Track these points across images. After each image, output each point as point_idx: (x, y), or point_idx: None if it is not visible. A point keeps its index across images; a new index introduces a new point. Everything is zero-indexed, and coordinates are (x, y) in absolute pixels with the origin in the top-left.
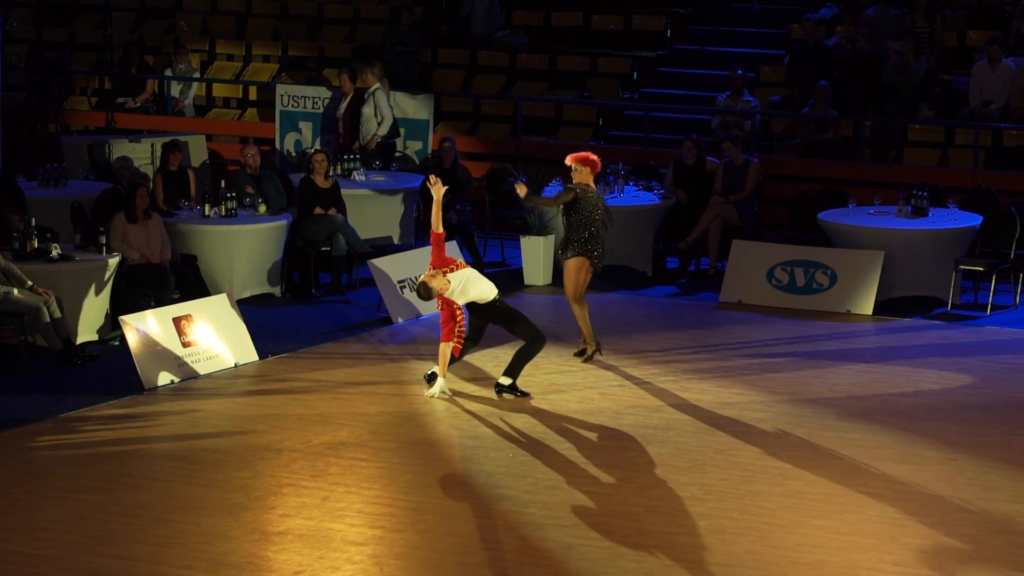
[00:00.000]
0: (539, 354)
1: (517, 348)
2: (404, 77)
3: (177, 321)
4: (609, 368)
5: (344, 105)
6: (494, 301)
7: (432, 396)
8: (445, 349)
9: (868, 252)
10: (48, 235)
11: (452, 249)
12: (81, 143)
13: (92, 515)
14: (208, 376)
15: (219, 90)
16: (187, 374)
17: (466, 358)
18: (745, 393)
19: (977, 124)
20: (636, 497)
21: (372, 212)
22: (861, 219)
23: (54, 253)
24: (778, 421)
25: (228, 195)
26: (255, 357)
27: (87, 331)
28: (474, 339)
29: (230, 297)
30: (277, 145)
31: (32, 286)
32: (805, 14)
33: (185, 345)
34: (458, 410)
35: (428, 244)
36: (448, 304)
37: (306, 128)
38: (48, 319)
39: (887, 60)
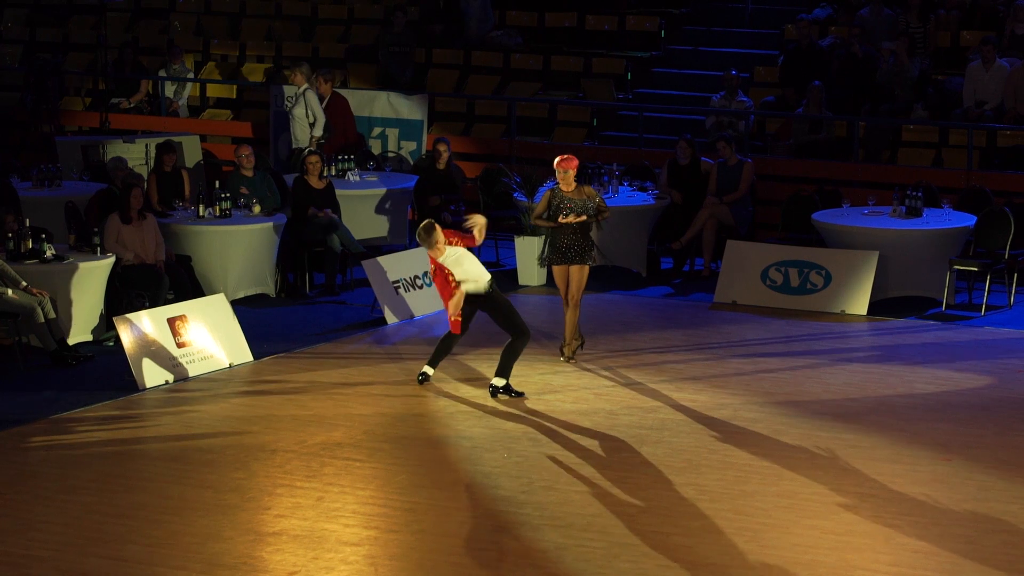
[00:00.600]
0: (536, 355)
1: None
2: (398, 77)
3: (171, 321)
4: (603, 368)
5: (324, 105)
6: (488, 284)
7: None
8: (456, 297)
9: (862, 252)
10: (42, 236)
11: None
12: (75, 144)
13: (86, 516)
14: (202, 376)
15: (213, 90)
16: (181, 374)
17: (459, 358)
18: (739, 393)
19: (971, 124)
20: (631, 497)
21: (366, 212)
22: (855, 219)
23: (48, 254)
24: (772, 422)
25: (222, 196)
26: (249, 358)
27: (81, 332)
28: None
29: (224, 298)
30: (271, 146)
31: (26, 287)
32: (799, 14)
33: (179, 345)
34: (453, 411)
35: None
36: (440, 270)
37: None
38: (42, 319)
39: (881, 60)
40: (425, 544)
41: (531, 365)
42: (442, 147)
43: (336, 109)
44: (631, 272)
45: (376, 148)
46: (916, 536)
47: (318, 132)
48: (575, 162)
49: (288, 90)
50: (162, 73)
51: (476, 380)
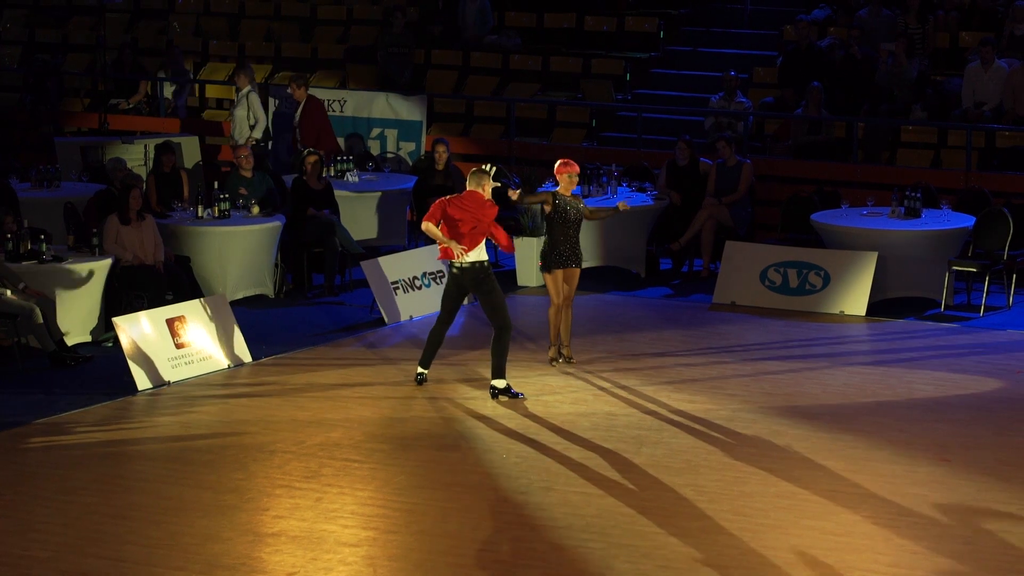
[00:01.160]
0: (535, 356)
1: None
2: (397, 78)
3: (170, 322)
4: (602, 370)
5: (298, 113)
6: (485, 263)
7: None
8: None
9: (861, 253)
10: (41, 236)
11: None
12: (74, 144)
13: (85, 516)
14: (201, 377)
15: (212, 91)
16: (180, 375)
17: (458, 359)
18: (738, 394)
19: (970, 125)
20: (630, 498)
21: (365, 213)
22: (854, 220)
23: (47, 254)
24: (771, 423)
25: (221, 196)
26: (248, 358)
27: (80, 332)
28: (447, 320)
29: (224, 298)
30: (270, 146)
31: (25, 287)
32: (798, 15)
33: (178, 346)
34: (451, 412)
35: (421, 245)
36: (467, 212)
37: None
38: (41, 320)
39: (880, 61)
40: (424, 545)
41: (529, 366)
42: (441, 148)
43: (311, 114)
44: (630, 273)
45: (375, 149)
46: (915, 537)
47: (258, 134)
48: (577, 167)
49: (286, 92)
50: (161, 74)
51: (474, 381)
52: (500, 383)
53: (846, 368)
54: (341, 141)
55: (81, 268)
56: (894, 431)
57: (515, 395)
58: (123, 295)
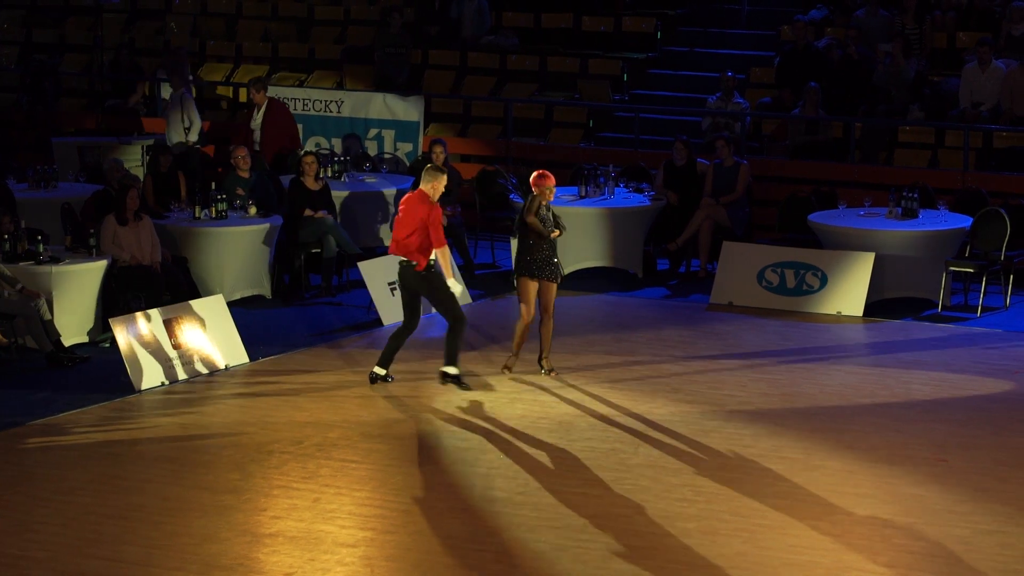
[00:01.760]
0: (529, 358)
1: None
2: (394, 78)
3: (168, 323)
4: (600, 370)
5: (259, 116)
6: (429, 265)
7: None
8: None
9: (858, 253)
10: (38, 237)
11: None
12: (71, 145)
13: (83, 517)
14: (198, 378)
15: (209, 92)
16: (177, 376)
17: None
18: (735, 394)
19: (967, 126)
20: (627, 498)
21: (362, 214)
22: (851, 220)
23: (44, 255)
24: (769, 423)
25: (218, 197)
26: (246, 359)
27: (77, 333)
28: (410, 325)
29: (222, 299)
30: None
31: (22, 288)
32: (795, 16)
33: (175, 347)
34: (449, 412)
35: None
36: (420, 206)
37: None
38: (38, 321)
39: (877, 62)
40: (421, 545)
41: (524, 367)
42: (438, 148)
43: (272, 117)
44: (627, 273)
45: (372, 149)
46: (912, 537)
47: (193, 137)
48: (553, 179)
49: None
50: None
51: (473, 381)
52: (453, 370)
53: (843, 368)
54: (338, 142)
55: (78, 269)
56: (891, 431)
57: (463, 386)
58: (120, 296)
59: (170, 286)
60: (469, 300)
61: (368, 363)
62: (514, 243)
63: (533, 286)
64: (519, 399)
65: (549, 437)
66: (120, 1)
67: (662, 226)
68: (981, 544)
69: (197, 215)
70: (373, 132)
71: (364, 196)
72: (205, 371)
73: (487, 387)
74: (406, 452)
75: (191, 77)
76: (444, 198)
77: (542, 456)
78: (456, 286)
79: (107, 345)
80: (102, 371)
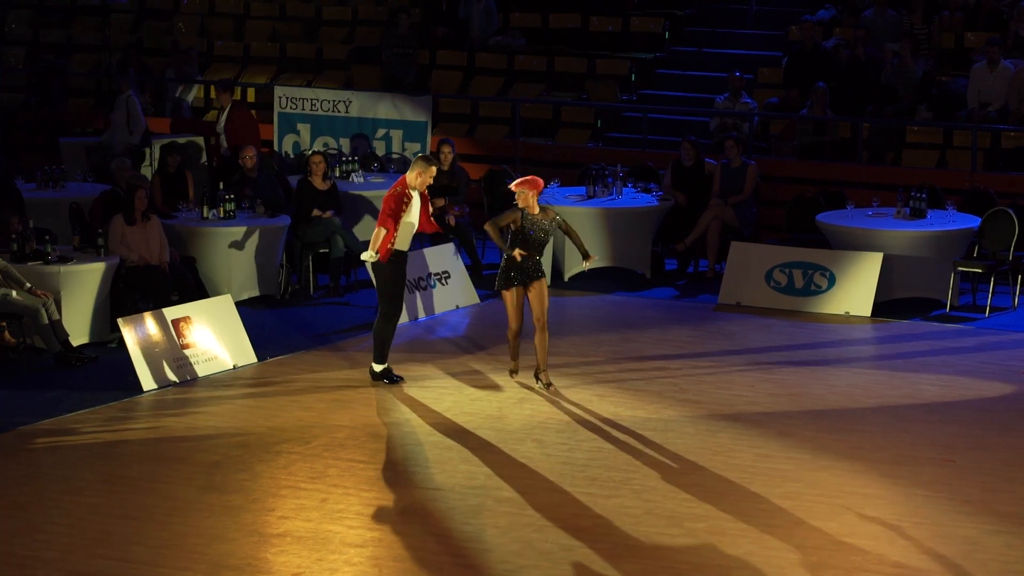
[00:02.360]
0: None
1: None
2: (402, 79)
3: (176, 323)
4: (607, 370)
5: (223, 119)
6: (395, 252)
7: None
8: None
9: (867, 254)
10: (46, 237)
11: (450, 251)
12: (79, 145)
13: (90, 517)
14: (207, 378)
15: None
16: (185, 376)
17: (465, 360)
18: (743, 395)
19: (975, 126)
20: (634, 499)
21: (370, 214)
22: (859, 221)
23: (52, 255)
24: (776, 423)
25: (226, 197)
26: (253, 359)
27: (86, 333)
28: (386, 313)
29: (230, 299)
30: (275, 147)
31: (30, 288)
32: (803, 16)
33: (184, 347)
34: (457, 412)
35: (427, 246)
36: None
37: (304, 130)
38: (46, 321)
39: (885, 62)
40: (428, 545)
41: (535, 367)
42: (446, 149)
43: (235, 121)
44: (635, 273)
45: (380, 150)
46: (920, 537)
47: (136, 139)
48: (540, 184)
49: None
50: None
51: (478, 381)
52: (379, 367)
53: (851, 369)
54: (346, 142)
55: (86, 269)
56: (899, 432)
57: (395, 379)
58: (128, 296)
59: (178, 286)
60: (477, 300)
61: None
62: None
63: (515, 294)
64: (527, 399)
65: (556, 437)
66: (128, 1)
67: (670, 226)
68: (988, 544)
69: (205, 215)
70: (381, 132)
71: (372, 196)
72: (213, 371)
73: (495, 387)
74: (414, 452)
75: (199, 77)
76: (452, 198)
77: (549, 456)
78: (366, 255)
79: (114, 345)
80: (110, 371)
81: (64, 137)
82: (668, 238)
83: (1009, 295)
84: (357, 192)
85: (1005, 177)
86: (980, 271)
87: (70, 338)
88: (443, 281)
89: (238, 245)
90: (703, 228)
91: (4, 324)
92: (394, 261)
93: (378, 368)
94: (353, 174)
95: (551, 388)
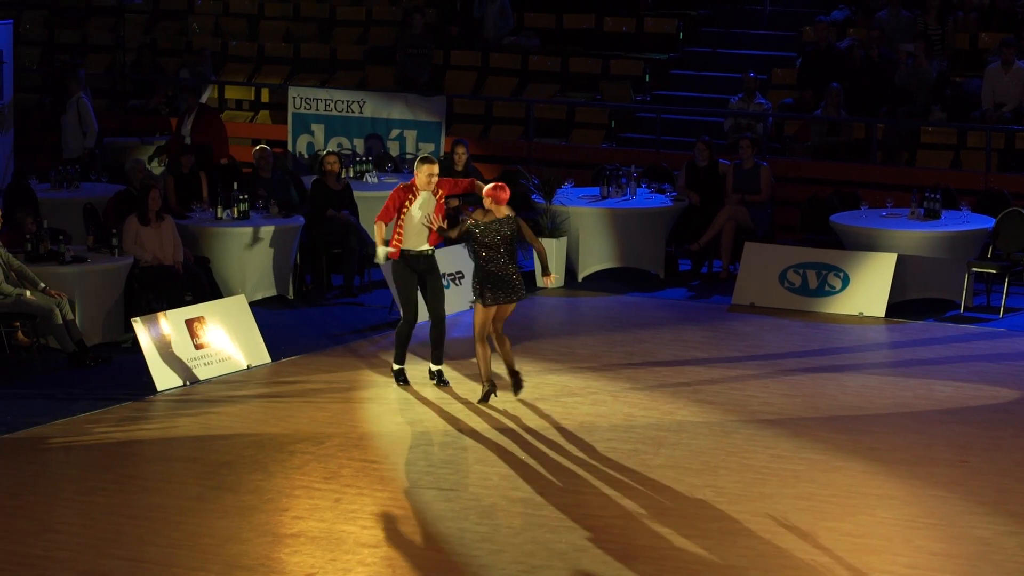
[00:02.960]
0: (553, 358)
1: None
2: (416, 79)
3: (189, 323)
4: (621, 370)
5: (189, 122)
6: (403, 252)
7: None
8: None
9: (881, 254)
10: (60, 237)
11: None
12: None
13: (104, 517)
14: (220, 378)
15: (231, 92)
16: (199, 376)
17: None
18: (757, 395)
19: (989, 127)
20: (649, 500)
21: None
22: (873, 221)
23: (66, 255)
24: (790, 424)
25: (240, 197)
26: (267, 359)
27: (99, 333)
28: (407, 317)
29: (243, 299)
30: (290, 147)
31: (45, 288)
32: (817, 16)
33: (197, 347)
34: (470, 412)
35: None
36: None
37: (318, 130)
38: (60, 321)
39: (899, 62)
40: (442, 546)
41: (550, 368)
42: (460, 149)
43: (200, 124)
44: (649, 274)
45: (394, 150)
46: (934, 538)
47: (90, 142)
48: (507, 194)
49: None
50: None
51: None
52: (395, 367)
53: (865, 370)
54: (360, 143)
55: (101, 269)
56: (913, 433)
57: (400, 381)
58: (142, 296)
59: (192, 286)
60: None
61: (389, 364)
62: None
63: (486, 314)
64: (541, 400)
65: (571, 438)
66: (142, 2)
67: (684, 227)
68: (1003, 545)
69: (219, 215)
70: (395, 132)
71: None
72: (227, 371)
73: (509, 388)
74: (428, 452)
75: (213, 77)
76: (467, 198)
77: (564, 457)
78: (379, 251)
79: (129, 345)
80: (124, 371)
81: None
82: (682, 239)
83: (1023, 296)
84: (371, 192)
85: (1019, 178)
86: (994, 272)
87: (84, 338)
88: (456, 282)
89: (252, 245)
90: (717, 229)
91: (18, 324)
92: (400, 262)
93: (395, 367)
94: (367, 174)
95: (522, 386)
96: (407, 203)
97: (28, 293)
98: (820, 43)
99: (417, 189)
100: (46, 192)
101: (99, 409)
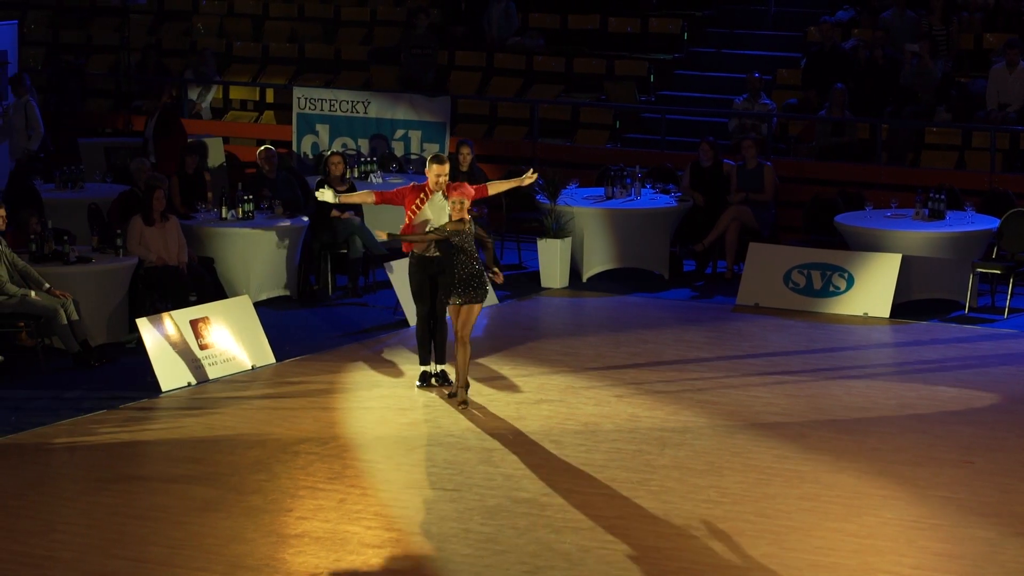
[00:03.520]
0: (558, 358)
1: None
2: (420, 79)
3: (194, 323)
4: (625, 371)
5: (151, 124)
6: (413, 253)
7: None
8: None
9: (885, 255)
10: (65, 237)
11: None
12: (98, 145)
13: (108, 517)
14: (225, 378)
15: (236, 92)
16: (203, 376)
17: (480, 361)
18: (761, 396)
19: (994, 127)
20: (652, 500)
21: (388, 214)
22: (878, 222)
23: (71, 255)
24: (794, 424)
25: (245, 197)
26: (272, 359)
27: (104, 333)
28: (420, 313)
29: (248, 299)
30: (294, 147)
31: (49, 288)
32: (822, 17)
33: (202, 347)
34: (474, 413)
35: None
36: (417, 195)
37: (323, 131)
38: (65, 321)
39: (904, 63)
40: (446, 546)
41: (555, 369)
42: (465, 149)
43: (162, 127)
44: (653, 274)
45: (399, 150)
46: (938, 539)
47: (34, 144)
48: (461, 193)
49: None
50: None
51: (496, 382)
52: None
53: (869, 370)
54: (364, 143)
55: (105, 269)
56: (917, 432)
57: (423, 382)
58: (147, 296)
59: (196, 287)
60: (495, 300)
61: (394, 364)
62: (541, 244)
63: (456, 309)
64: (545, 400)
65: (575, 438)
66: (146, 2)
67: (688, 227)
68: (1007, 546)
69: (224, 216)
70: (400, 133)
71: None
72: (231, 372)
73: (513, 388)
74: (432, 453)
75: (217, 77)
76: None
77: (568, 457)
78: (380, 234)
79: (132, 345)
80: (128, 372)
81: (83, 138)
82: (686, 239)
83: None
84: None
85: None
86: (999, 272)
87: (88, 339)
88: None
89: (256, 246)
90: (721, 229)
91: (23, 325)
92: (414, 263)
93: (423, 369)
94: (372, 175)
95: (464, 407)
96: (417, 204)
97: (32, 293)
98: (825, 43)
99: (429, 191)
100: (50, 192)
101: (103, 409)
